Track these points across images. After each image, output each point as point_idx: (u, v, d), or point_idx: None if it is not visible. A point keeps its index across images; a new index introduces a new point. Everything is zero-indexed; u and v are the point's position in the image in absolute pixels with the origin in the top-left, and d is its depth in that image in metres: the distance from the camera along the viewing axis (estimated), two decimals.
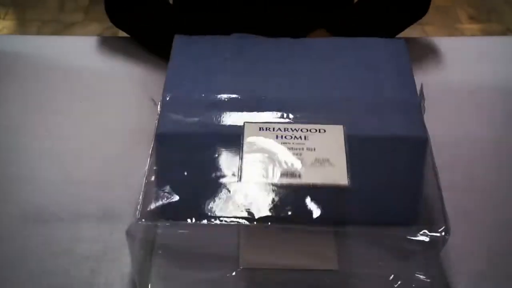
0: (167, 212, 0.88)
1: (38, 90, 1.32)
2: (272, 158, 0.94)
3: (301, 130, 0.97)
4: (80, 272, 0.96)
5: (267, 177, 0.92)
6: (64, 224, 1.02)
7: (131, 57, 1.39)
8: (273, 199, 0.90)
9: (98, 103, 1.27)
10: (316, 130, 0.98)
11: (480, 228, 1.04)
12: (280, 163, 0.94)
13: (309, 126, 0.98)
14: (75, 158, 1.15)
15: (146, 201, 0.89)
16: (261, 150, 0.95)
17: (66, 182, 1.10)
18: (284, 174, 0.93)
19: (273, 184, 0.92)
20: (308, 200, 0.91)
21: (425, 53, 1.41)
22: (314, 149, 0.95)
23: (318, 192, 0.91)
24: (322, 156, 0.95)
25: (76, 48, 1.44)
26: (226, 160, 0.94)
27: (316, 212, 0.90)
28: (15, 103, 1.28)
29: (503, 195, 1.10)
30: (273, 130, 0.98)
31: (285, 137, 0.97)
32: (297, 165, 0.94)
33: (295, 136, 0.97)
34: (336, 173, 0.93)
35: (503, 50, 1.47)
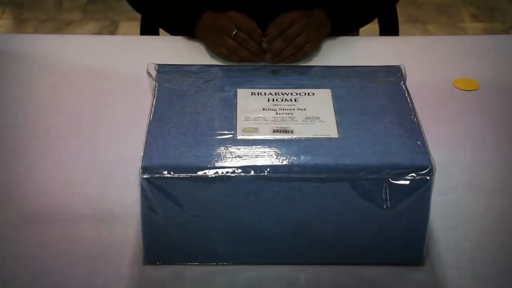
0: (167, 167, 0.91)
1: (36, 89, 1.31)
2: (264, 117, 1.00)
3: (291, 93, 1.05)
4: (79, 273, 0.95)
5: (261, 133, 0.97)
6: (63, 225, 1.02)
7: (129, 56, 1.39)
8: (268, 152, 0.94)
9: (96, 102, 1.26)
10: (306, 93, 1.05)
11: (481, 228, 1.03)
12: (272, 121, 0.99)
13: (298, 90, 1.06)
14: (73, 158, 1.14)
15: (147, 156, 0.93)
16: (254, 111, 1.01)
17: (66, 182, 1.09)
18: (277, 130, 0.98)
19: (267, 140, 0.96)
20: (302, 152, 0.94)
21: (428, 51, 1.41)
22: (305, 109, 1.02)
23: (311, 145, 0.96)
24: (312, 115, 1.01)
25: (73, 47, 1.44)
26: (222, 119, 0.99)
27: (311, 161, 0.93)
28: (13, 103, 1.28)
29: (504, 195, 1.10)
30: (265, 94, 1.05)
31: (276, 100, 1.04)
32: (289, 122, 0.99)
33: (286, 99, 1.04)
34: (327, 128, 0.99)
35: (505, 49, 1.47)
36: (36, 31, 2.90)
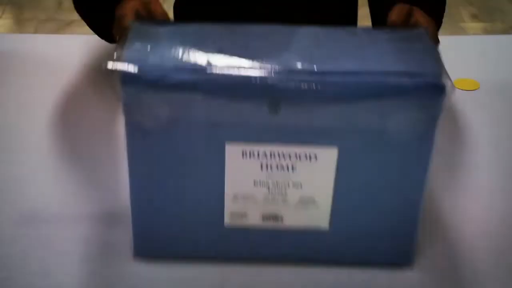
0: (159, 253, 0.96)
1: (36, 89, 1.31)
2: (254, 196, 0.90)
3: (289, 156, 0.87)
4: (79, 273, 0.95)
5: (249, 219, 0.92)
6: (63, 225, 1.02)
7: None
8: (254, 242, 0.94)
9: (96, 102, 1.26)
10: (306, 157, 0.87)
11: (481, 228, 1.03)
12: (263, 201, 0.91)
13: (298, 150, 0.87)
14: (74, 158, 1.14)
15: (137, 239, 0.96)
16: (244, 183, 0.89)
17: (66, 182, 1.09)
18: (267, 217, 0.92)
19: (255, 229, 0.93)
20: (291, 247, 0.94)
21: None
22: (301, 186, 0.89)
23: (300, 238, 0.94)
24: (307, 195, 0.90)
25: (74, 47, 1.44)
26: (208, 192, 0.91)
27: (294, 253, 0.95)
28: (12, 102, 1.28)
29: (504, 195, 1.10)
30: (258, 156, 0.87)
31: (270, 166, 0.88)
32: (281, 205, 0.91)
33: (282, 166, 0.88)
34: (319, 215, 0.92)
35: (505, 49, 1.47)
36: (36, 31, 2.90)
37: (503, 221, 1.04)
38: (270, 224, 0.92)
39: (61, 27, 2.89)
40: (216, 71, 0.82)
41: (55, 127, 1.22)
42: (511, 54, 1.46)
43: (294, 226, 0.92)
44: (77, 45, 1.45)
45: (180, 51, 0.85)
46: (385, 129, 0.84)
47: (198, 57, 0.83)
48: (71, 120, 1.23)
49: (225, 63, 0.83)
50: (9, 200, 1.06)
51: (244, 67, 0.82)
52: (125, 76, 0.82)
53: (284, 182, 0.89)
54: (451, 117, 1.26)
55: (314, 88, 0.82)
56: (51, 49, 1.41)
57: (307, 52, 0.86)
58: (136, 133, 0.86)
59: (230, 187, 0.89)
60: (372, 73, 0.83)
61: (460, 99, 1.29)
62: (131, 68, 0.82)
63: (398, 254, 0.96)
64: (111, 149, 1.16)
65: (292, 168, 0.88)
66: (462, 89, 1.31)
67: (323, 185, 0.89)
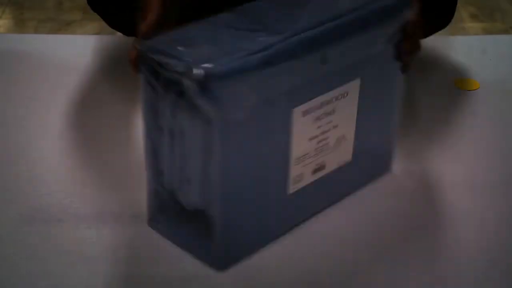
0: None
1: (36, 89, 1.31)
2: (309, 153, 0.93)
3: (333, 100, 0.92)
4: (79, 273, 0.95)
5: (305, 179, 0.95)
6: (63, 225, 1.01)
7: None
8: (308, 199, 0.96)
9: (96, 102, 1.26)
10: (342, 96, 0.93)
11: (480, 227, 1.03)
12: (314, 156, 0.94)
13: (337, 92, 0.92)
14: (73, 158, 1.14)
15: None
16: (303, 142, 0.92)
17: (66, 182, 1.09)
18: (316, 169, 0.95)
19: (307, 187, 0.95)
20: (329, 187, 0.98)
21: (428, 51, 1.40)
22: (338, 126, 0.95)
23: (336, 177, 0.98)
24: (341, 133, 0.96)
25: (74, 47, 1.44)
26: (276, 159, 0.90)
27: (334, 194, 1.00)
28: (12, 102, 1.28)
29: (504, 195, 1.10)
30: (314, 111, 0.91)
31: (321, 116, 0.92)
32: (325, 152, 0.95)
33: (327, 112, 0.92)
34: (346, 150, 0.98)
35: (505, 48, 1.47)
36: (36, 31, 2.89)
37: (503, 221, 1.04)
38: (318, 175, 0.96)
39: (61, 27, 2.88)
40: (270, 42, 0.83)
41: (55, 127, 1.22)
42: (511, 54, 1.46)
43: (332, 169, 0.97)
44: (77, 45, 1.45)
45: (223, 42, 0.83)
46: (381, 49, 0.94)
47: (244, 41, 0.83)
48: (71, 120, 1.23)
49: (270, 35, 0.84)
50: (10, 200, 1.06)
51: (283, 34, 0.84)
52: (207, 78, 0.78)
53: (328, 128, 0.94)
54: (451, 117, 1.26)
55: (343, 29, 0.89)
56: (51, 49, 1.41)
57: (319, 7, 0.91)
58: (224, 126, 0.83)
59: (294, 151, 0.91)
60: (361, 9, 0.91)
61: (460, 99, 1.29)
62: (206, 71, 0.78)
63: (381, 166, 1.06)
64: (111, 148, 1.16)
65: (333, 112, 0.93)
66: (462, 89, 1.31)
67: (350, 119, 0.96)
